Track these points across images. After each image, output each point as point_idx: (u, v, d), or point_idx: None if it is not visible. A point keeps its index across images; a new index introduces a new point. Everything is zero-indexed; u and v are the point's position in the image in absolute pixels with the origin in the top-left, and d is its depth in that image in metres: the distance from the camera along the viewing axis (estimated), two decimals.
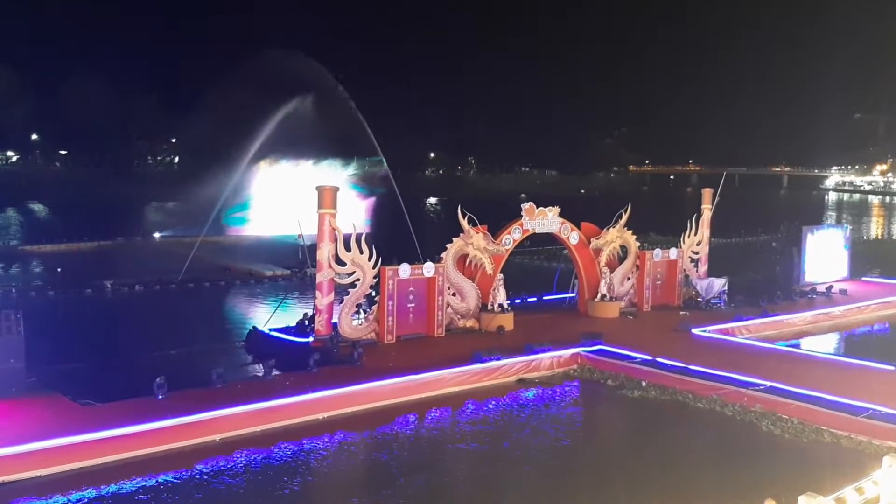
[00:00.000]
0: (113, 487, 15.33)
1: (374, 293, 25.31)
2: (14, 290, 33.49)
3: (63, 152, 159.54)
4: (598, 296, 30.46)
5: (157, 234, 54.40)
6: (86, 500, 14.90)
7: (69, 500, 14.81)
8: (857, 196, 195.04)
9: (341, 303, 24.91)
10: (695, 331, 27.61)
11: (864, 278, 40.51)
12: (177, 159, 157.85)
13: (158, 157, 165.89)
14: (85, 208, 69.46)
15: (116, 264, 40.22)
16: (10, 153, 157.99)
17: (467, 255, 27.17)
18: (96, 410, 17.85)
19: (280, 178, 56.78)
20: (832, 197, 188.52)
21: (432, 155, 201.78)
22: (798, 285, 36.77)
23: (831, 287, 36.45)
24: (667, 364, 22.94)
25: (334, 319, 24.80)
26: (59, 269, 40.12)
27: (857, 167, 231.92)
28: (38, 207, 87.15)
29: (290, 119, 48.89)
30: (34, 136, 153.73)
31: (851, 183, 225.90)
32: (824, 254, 39.16)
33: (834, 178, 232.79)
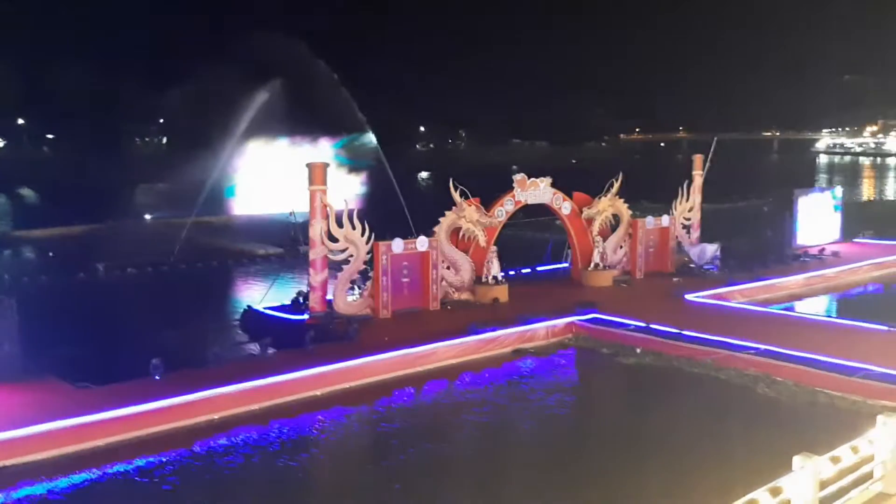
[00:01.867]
0: (113, 469, 15.39)
1: (368, 269, 25.28)
2: (6, 276, 33.32)
3: (50, 136, 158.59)
4: (592, 265, 30.50)
5: (147, 216, 54.11)
6: (86, 481, 14.96)
7: (70, 483, 14.87)
8: (847, 158, 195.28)
9: (335, 279, 24.90)
10: (688, 297, 27.68)
11: (856, 240, 40.64)
12: (164, 140, 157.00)
13: (146, 139, 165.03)
14: (74, 192, 69.00)
15: (108, 247, 40.00)
16: None
17: (460, 228, 27.13)
18: (93, 393, 17.84)
19: (269, 156, 56.48)
20: (823, 160, 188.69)
21: (422, 129, 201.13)
22: (791, 248, 36.89)
23: (823, 249, 36.57)
24: (661, 330, 23.03)
25: (329, 296, 24.79)
26: (50, 254, 39.96)
27: (847, 129, 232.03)
28: (27, 192, 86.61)
29: (276, 98, 48.55)
30: (20, 121, 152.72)
31: (842, 145, 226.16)
32: (816, 217, 39.22)
33: (825, 140, 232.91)
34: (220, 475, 15.31)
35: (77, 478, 15.02)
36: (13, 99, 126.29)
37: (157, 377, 18.55)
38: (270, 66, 48.94)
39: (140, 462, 15.65)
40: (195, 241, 40.57)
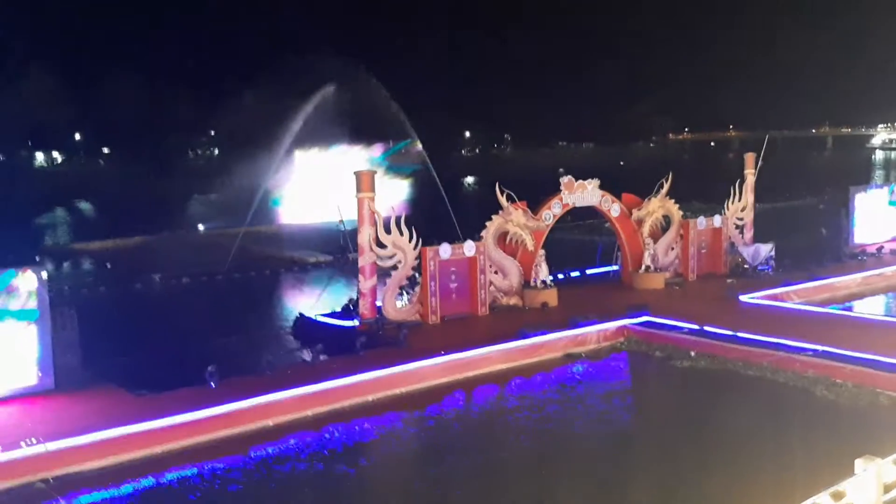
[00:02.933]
0: (172, 475, 15.71)
1: (416, 274, 25.38)
2: (67, 288, 34.24)
3: (106, 150, 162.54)
4: (643, 267, 30.17)
5: (201, 227, 55.08)
6: (145, 488, 15.29)
7: (130, 489, 15.20)
8: None
9: (384, 286, 25.05)
10: (742, 298, 27.21)
11: None
12: (216, 151, 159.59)
13: (198, 151, 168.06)
14: (130, 204, 70.65)
15: (163, 258, 40.88)
16: (55, 154, 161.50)
17: (507, 232, 27.08)
18: (151, 401, 18.22)
19: (317, 165, 57.12)
20: (879, 155, 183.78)
21: (467, 134, 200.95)
22: (848, 247, 36.07)
23: (882, 247, 35.66)
24: (715, 333, 22.68)
25: (378, 302, 24.95)
26: (108, 265, 40.95)
27: None
28: (85, 206, 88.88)
29: (323, 108, 49.06)
30: (77, 137, 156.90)
31: None
32: (874, 214, 38.27)
33: (881, 135, 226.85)
34: (277, 481, 15.51)
35: (137, 484, 15.36)
36: (70, 114, 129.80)
37: (212, 384, 18.88)
38: (317, 76, 49.47)
39: (197, 469, 15.92)
40: (247, 251, 41.21)
